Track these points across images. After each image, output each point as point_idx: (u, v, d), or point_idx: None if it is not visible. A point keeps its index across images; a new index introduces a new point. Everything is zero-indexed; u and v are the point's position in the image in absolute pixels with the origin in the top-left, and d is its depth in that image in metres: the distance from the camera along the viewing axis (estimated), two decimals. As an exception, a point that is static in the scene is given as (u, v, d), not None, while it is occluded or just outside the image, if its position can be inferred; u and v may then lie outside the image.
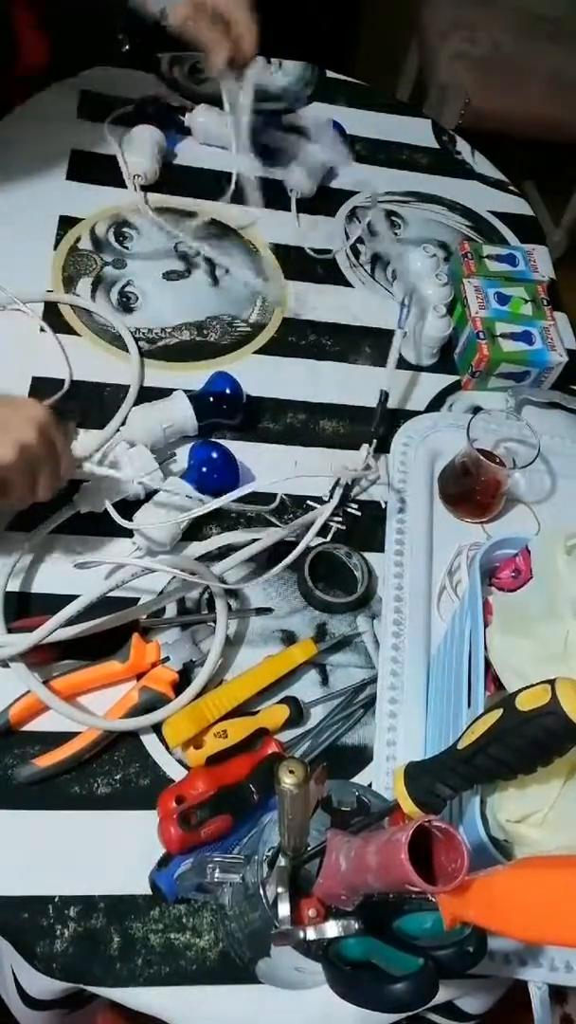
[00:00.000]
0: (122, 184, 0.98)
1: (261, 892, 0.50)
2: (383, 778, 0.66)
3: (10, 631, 0.66)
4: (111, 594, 0.66)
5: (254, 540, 0.74)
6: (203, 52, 0.85)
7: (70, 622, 0.64)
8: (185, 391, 0.79)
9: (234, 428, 0.83)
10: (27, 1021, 0.70)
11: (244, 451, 0.81)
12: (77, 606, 0.63)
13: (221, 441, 0.80)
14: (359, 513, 0.82)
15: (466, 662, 0.59)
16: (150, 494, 0.74)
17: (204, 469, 0.76)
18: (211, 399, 0.80)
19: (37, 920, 0.58)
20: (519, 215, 1.14)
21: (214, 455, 0.77)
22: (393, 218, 1.08)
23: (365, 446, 0.83)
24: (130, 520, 0.72)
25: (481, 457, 0.76)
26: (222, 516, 0.77)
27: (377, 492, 0.84)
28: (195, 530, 0.76)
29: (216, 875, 0.53)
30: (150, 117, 1.01)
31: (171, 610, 0.72)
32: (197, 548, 0.75)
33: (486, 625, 0.61)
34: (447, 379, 0.95)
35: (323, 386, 0.89)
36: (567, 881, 0.39)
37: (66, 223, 0.94)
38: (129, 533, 0.73)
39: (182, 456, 0.80)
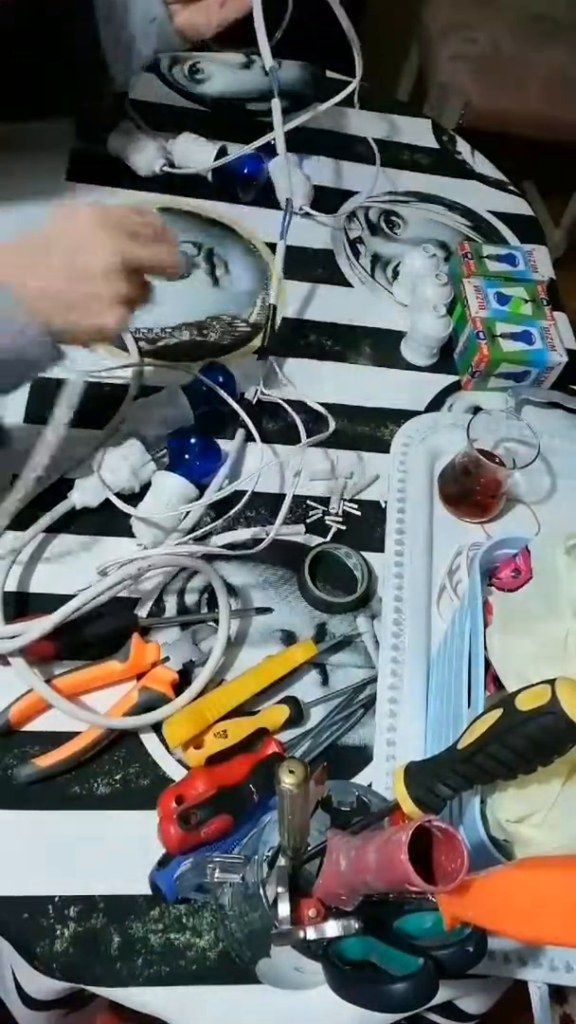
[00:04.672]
0: (122, 184, 0.98)
1: (261, 892, 0.50)
2: (383, 778, 0.66)
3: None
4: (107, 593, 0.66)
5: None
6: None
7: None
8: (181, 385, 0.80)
9: (232, 419, 0.82)
10: (27, 1021, 0.70)
11: (245, 450, 0.81)
12: (78, 603, 0.63)
13: (221, 441, 0.80)
14: (359, 513, 0.82)
15: (466, 662, 0.59)
16: (144, 488, 0.74)
17: (186, 456, 0.77)
18: (204, 389, 0.80)
19: (37, 920, 0.58)
20: (519, 215, 1.14)
21: (192, 440, 0.77)
22: (393, 218, 1.08)
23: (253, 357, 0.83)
24: (128, 517, 0.72)
25: (481, 457, 0.76)
26: (221, 514, 0.77)
27: (377, 492, 0.84)
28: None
29: (216, 875, 0.53)
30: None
31: (171, 610, 0.72)
32: (197, 547, 0.75)
33: (486, 625, 0.61)
34: (447, 379, 0.95)
35: (322, 386, 0.89)
36: (567, 881, 0.39)
37: (66, 223, 0.94)
38: (126, 530, 0.73)
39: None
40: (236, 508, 0.74)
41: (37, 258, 0.58)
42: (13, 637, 0.63)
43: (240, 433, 0.82)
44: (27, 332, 0.57)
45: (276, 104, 0.84)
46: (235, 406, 0.81)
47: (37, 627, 0.63)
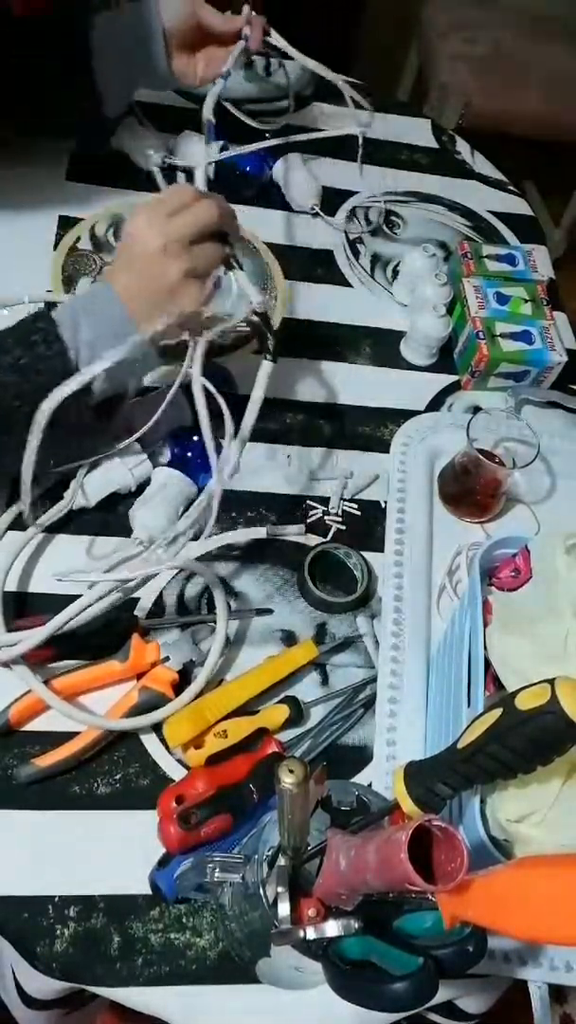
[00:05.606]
0: (122, 184, 0.98)
1: (261, 892, 0.50)
2: (383, 778, 0.66)
3: (10, 632, 0.66)
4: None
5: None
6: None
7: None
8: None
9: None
10: (27, 1021, 0.70)
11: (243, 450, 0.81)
12: (79, 606, 0.63)
13: (220, 440, 0.80)
14: (359, 513, 0.82)
15: (466, 662, 0.59)
16: (141, 487, 0.74)
17: (188, 454, 0.77)
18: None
19: (37, 920, 0.58)
20: (519, 215, 1.14)
21: (191, 439, 0.77)
22: (393, 218, 1.08)
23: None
24: (126, 515, 0.73)
25: (481, 457, 0.76)
26: (221, 515, 0.76)
27: (377, 492, 0.84)
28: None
29: (216, 875, 0.53)
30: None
31: (171, 610, 0.72)
32: (196, 548, 0.75)
33: (486, 625, 0.61)
34: (447, 379, 0.95)
35: (322, 386, 0.89)
36: (567, 881, 0.39)
37: (66, 223, 0.94)
38: (125, 529, 0.73)
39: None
40: (234, 508, 0.74)
41: (119, 263, 0.65)
42: (12, 645, 0.63)
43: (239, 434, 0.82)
44: (127, 325, 0.62)
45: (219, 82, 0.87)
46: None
47: (35, 637, 0.63)
